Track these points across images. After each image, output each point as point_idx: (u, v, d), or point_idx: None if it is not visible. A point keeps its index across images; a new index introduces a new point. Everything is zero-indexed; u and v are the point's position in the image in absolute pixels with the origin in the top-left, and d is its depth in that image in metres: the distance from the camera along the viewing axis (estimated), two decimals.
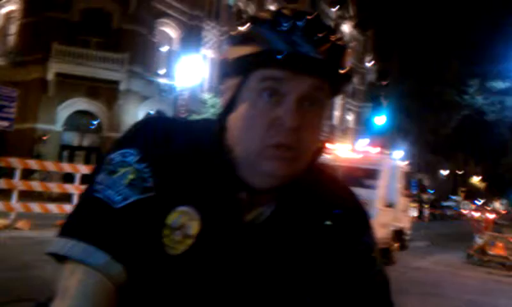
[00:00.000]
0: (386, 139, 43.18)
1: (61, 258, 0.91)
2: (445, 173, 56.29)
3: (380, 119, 43.35)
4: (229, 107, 0.99)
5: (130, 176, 0.95)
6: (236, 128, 0.97)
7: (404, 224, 13.01)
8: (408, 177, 14.37)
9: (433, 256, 14.98)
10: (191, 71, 23.00)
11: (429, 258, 14.34)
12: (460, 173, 56.42)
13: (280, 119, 0.92)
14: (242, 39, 0.96)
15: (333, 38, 0.94)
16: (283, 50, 0.90)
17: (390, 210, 11.71)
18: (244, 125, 0.95)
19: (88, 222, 0.92)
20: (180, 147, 1.00)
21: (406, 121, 47.74)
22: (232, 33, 1.00)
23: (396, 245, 12.09)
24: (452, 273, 11.89)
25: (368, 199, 9.66)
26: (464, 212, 58.49)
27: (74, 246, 0.89)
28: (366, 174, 11.38)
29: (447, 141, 47.56)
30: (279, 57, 0.90)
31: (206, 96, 28.77)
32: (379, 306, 1.06)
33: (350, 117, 46.76)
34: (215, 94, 28.16)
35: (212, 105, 27.00)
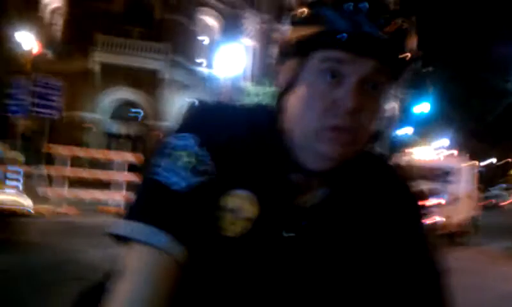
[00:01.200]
0: (430, 127, 42.34)
1: (123, 240, 0.93)
2: (492, 160, 54.81)
3: (423, 107, 42.52)
4: (288, 88, 0.98)
5: (190, 160, 0.96)
6: (295, 109, 0.97)
7: (477, 212, 15.56)
8: (478, 173, 16.74)
9: (477, 246, 14.69)
10: (232, 60, 23.05)
11: (471, 247, 14.06)
12: (508, 160, 54.80)
13: (340, 101, 0.92)
14: (304, 19, 0.95)
15: (396, 20, 0.93)
16: (347, 30, 0.90)
17: (468, 200, 14.42)
18: (303, 105, 0.95)
19: (150, 204, 0.94)
20: (237, 131, 1.01)
21: (450, 108, 46.68)
22: (293, 13, 0.98)
23: (472, 229, 14.67)
24: (495, 264, 11.63)
25: (454, 192, 13.20)
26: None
27: (137, 227, 0.91)
28: (451, 172, 14.20)
29: (493, 129, 46.23)
30: (343, 36, 0.89)
31: (248, 85, 28.78)
32: (439, 292, 1.04)
33: (394, 104, 45.92)
34: (256, 83, 28.16)
35: (254, 95, 26.98)
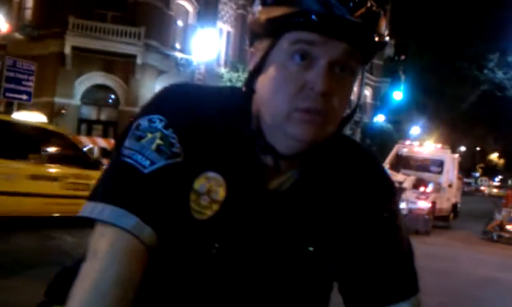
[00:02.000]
0: (403, 115, 42.89)
1: (91, 222, 0.92)
2: (463, 149, 55.86)
3: (397, 95, 42.99)
4: (258, 70, 0.98)
5: (158, 141, 0.95)
6: (264, 91, 0.96)
7: (457, 199, 18.00)
8: (459, 165, 19.10)
9: (449, 231, 14.95)
10: (207, 45, 22.93)
11: (445, 233, 14.31)
12: (478, 149, 55.93)
13: (310, 84, 0.91)
14: (275, 0, 0.94)
15: (368, 3, 0.92)
16: (318, 11, 0.88)
17: (450, 189, 16.64)
18: (273, 87, 0.94)
19: (118, 186, 0.93)
20: (206, 112, 1.00)
21: (424, 96, 47.27)
22: None
23: (452, 214, 17.00)
24: (469, 249, 11.87)
25: (437, 181, 15.22)
26: (482, 188, 58.08)
27: (104, 209, 0.90)
28: (434, 163, 16.40)
29: (466, 117, 47.01)
30: (314, 18, 0.88)
31: (222, 70, 28.72)
32: (403, 274, 1.05)
33: (367, 92, 46.39)
34: (231, 68, 28.10)
35: (228, 80, 26.95)
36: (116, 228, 0.89)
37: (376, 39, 0.94)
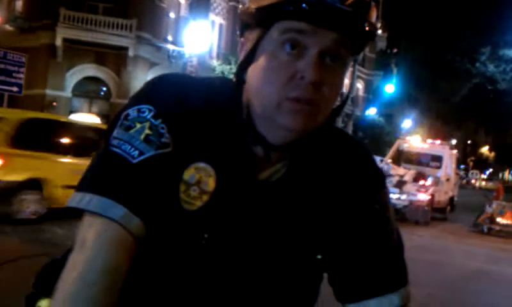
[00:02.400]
0: (395, 108, 42.96)
1: (79, 212, 0.91)
2: (454, 142, 56.12)
3: (389, 88, 43.02)
4: (248, 59, 0.97)
5: (147, 131, 0.94)
6: (255, 80, 0.96)
7: (454, 192, 18.90)
8: (458, 160, 20.48)
9: (440, 224, 15.03)
10: (199, 37, 22.84)
11: (436, 225, 14.39)
12: (470, 142, 56.15)
13: (301, 73, 0.91)
14: None
15: None
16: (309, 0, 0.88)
17: (448, 183, 17.58)
18: (264, 76, 0.94)
19: (106, 176, 0.92)
20: (196, 103, 0.99)
21: (416, 89, 47.36)
22: None
23: (449, 207, 17.78)
24: (459, 241, 11.95)
25: (436, 175, 16.09)
26: (473, 181, 58.36)
27: (92, 200, 0.89)
28: (433, 158, 17.27)
29: (458, 110, 47.15)
30: (304, 6, 0.88)
31: (215, 62, 28.64)
32: (392, 266, 1.06)
33: (360, 85, 46.41)
34: (223, 61, 28.02)
35: (221, 72, 26.88)
36: (104, 219, 0.88)
37: (367, 28, 0.94)
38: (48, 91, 24.34)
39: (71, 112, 25.22)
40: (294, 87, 0.91)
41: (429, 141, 19.25)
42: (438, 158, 17.25)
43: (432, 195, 15.32)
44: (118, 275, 0.86)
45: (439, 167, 16.95)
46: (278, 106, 0.92)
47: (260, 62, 0.94)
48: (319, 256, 1.07)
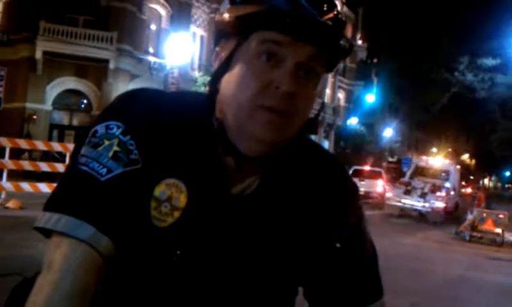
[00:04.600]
0: (375, 118, 43.32)
1: (47, 232, 0.90)
2: (434, 150, 56.62)
3: (369, 98, 43.35)
4: (223, 68, 0.97)
5: (115, 148, 0.93)
6: (228, 89, 0.95)
7: (458, 199, 22.84)
8: (461, 174, 26.01)
9: (422, 232, 15.11)
10: (180, 49, 22.85)
11: (418, 234, 14.47)
12: (450, 150, 56.74)
13: (276, 83, 0.91)
14: None
15: (336, 10, 0.93)
16: (288, 10, 0.88)
17: (454, 192, 22.13)
18: (238, 84, 0.93)
19: (73, 195, 0.90)
20: (166, 117, 0.98)
21: (396, 99, 47.77)
22: None
23: (455, 211, 21.27)
24: (441, 249, 12.01)
25: (446, 186, 20.62)
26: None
27: (59, 220, 0.88)
28: (443, 172, 22.49)
29: (438, 119, 47.64)
30: (283, 17, 0.88)
31: (196, 74, 28.63)
32: (367, 278, 1.06)
33: (341, 95, 46.70)
34: (205, 72, 28.03)
35: (202, 83, 26.87)
36: (72, 239, 0.86)
37: (342, 45, 0.95)
38: (28, 105, 24.11)
39: (51, 125, 25.01)
40: (268, 96, 0.91)
41: (440, 159, 25.14)
42: (446, 172, 22.55)
43: (446, 203, 19.84)
44: (86, 297, 0.84)
45: (447, 179, 21.86)
46: (250, 114, 0.92)
47: (235, 71, 0.94)
48: (291, 271, 1.05)
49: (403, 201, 19.35)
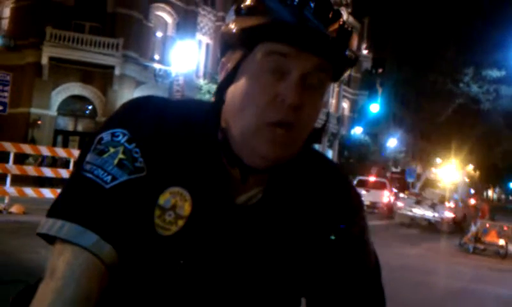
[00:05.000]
0: (380, 128, 43.29)
1: (51, 239, 0.89)
2: (439, 161, 56.49)
3: (374, 107, 43.35)
4: (229, 79, 0.96)
5: (121, 156, 0.93)
6: (234, 102, 0.95)
7: (466, 210, 22.33)
8: (467, 186, 26.40)
9: (426, 243, 15.05)
10: (186, 56, 22.91)
11: (422, 244, 14.41)
12: (454, 161, 56.60)
13: (282, 96, 0.90)
14: (250, 9, 0.93)
15: (341, 20, 0.93)
16: (293, 22, 0.88)
17: (461, 203, 22.36)
18: (243, 98, 0.93)
19: (77, 202, 0.90)
20: (172, 126, 0.98)
21: (400, 109, 47.74)
22: (238, 3, 0.96)
23: (463, 221, 20.47)
24: (445, 261, 11.96)
25: (454, 197, 21.46)
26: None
27: (63, 226, 0.87)
28: (452, 184, 22.65)
29: (442, 130, 47.55)
30: (288, 29, 0.88)
31: (201, 82, 28.69)
32: (369, 290, 1.06)
33: (345, 104, 46.70)
34: (210, 80, 28.10)
35: (207, 91, 26.93)
36: (75, 246, 0.86)
37: (348, 55, 0.95)
38: (33, 110, 24.20)
39: (56, 130, 25.08)
40: (274, 110, 0.91)
41: (449, 171, 25.22)
42: (455, 184, 22.90)
43: (455, 213, 20.75)
44: (88, 304, 0.84)
45: (455, 191, 22.45)
46: (256, 132, 0.92)
47: (241, 84, 0.94)
48: (295, 282, 1.05)
49: (414, 210, 20.71)
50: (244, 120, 0.93)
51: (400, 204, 22.30)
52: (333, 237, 1.05)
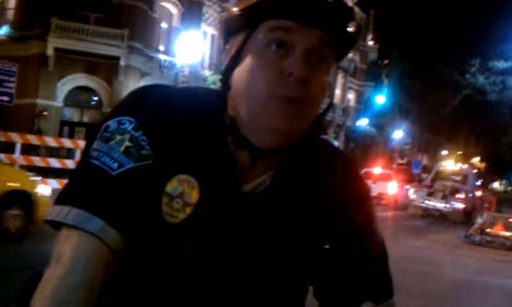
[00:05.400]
0: (386, 119, 43.20)
1: (58, 225, 0.90)
2: (445, 153, 56.34)
3: (380, 99, 43.21)
4: (234, 63, 0.96)
5: (127, 143, 0.93)
6: (240, 83, 0.94)
7: (475, 201, 23.52)
8: (476, 177, 28.09)
9: (433, 234, 15.06)
10: (191, 47, 22.87)
11: (428, 236, 14.42)
12: (460, 153, 56.42)
13: (288, 69, 0.90)
14: None
15: None
16: None
17: (471, 194, 23.23)
18: (250, 75, 0.93)
19: (84, 188, 0.91)
20: (179, 113, 0.98)
21: (406, 100, 47.58)
22: None
23: (473, 212, 20.98)
24: (450, 252, 11.97)
25: (465, 189, 22.55)
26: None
27: (69, 212, 0.88)
28: (462, 176, 24.31)
29: (448, 121, 47.40)
30: (290, 1, 0.88)
31: (206, 73, 28.67)
32: (377, 278, 1.05)
33: (351, 95, 46.56)
34: (215, 71, 28.08)
35: (212, 82, 26.91)
36: (81, 232, 0.86)
37: (350, 29, 0.94)
38: (39, 101, 24.25)
39: (62, 121, 25.14)
40: (281, 84, 0.90)
41: (458, 164, 26.82)
42: (464, 176, 24.31)
43: (465, 204, 21.78)
44: (93, 290, 0.84)
45: (465, 183, 23.52)
46: (265, 106, 0.91)
47: (246, 64, 0.94)
48: (304, 268, 1.05)
49: (426, 202, 22.27)
50: (252, 97, 0.92)
51: (413, 196, 23.65)
52: (340, 226, 1.05)
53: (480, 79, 39.36)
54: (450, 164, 26.97)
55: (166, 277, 0.98)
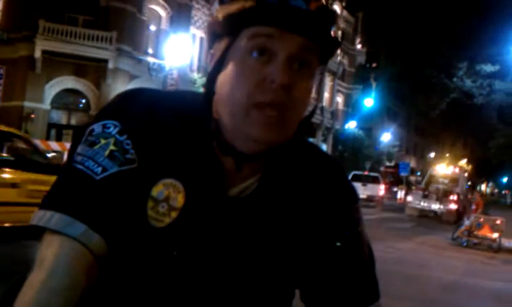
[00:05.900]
0: (374, 122, 43.38)
1: (41, 230, 0.89)
2: (432, 155, 56.67)
3: (368, 102, 43.40)
4: (217, 68, 0.96)
5: (111, 147, 0.93)
6: (224, 88, 0.94)
7: (465, 202, 23.98)
8: (467, 180, 29.06)
9: (419, 237, 15.11)
10: (180, 50, 22.85)
11: (415, 238, 14.47)
12: (448, 155, 56.79)
13: (270, 76, 0.90)
14: None
15: (323, 0, 0.92)
16: (274, 2, 0.88)
17: (462, 196, 23.95)
18: (232, 82, 0.92)
19: (67, 193, 0.90)
20: (164, 117, 0.98)
21: (394, 103, 47.83)
22: None
23: (464, 213, 20.97)
24: (438, 254, 12.01)
25: (456, 191, 23.42)
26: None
27: (52, 217, 0.87)
28: (453, 179, 25.03)
29: (436, 124, 47.72)
30: (272, 7, 0.88)
31: (195, 75, 28.64)
32: (363, 281, 1.06)
33: (339, 99, 46.72)
34: (204, 74, 28.04)
35: (201, 85, 26.88)
36: (63, 236, 0.86)
37: (333, 34, 0.94)
38: (27, 103, 24.09)
39: (49, 124, 24.98)
40: (263, 91, 0.90)
41: (451, 168, 27.46)
42: (455, 180, 25.02)
43: (458, 205, 22.52)
44: (75, 294, 0.83)
45: (456, 186, 24.44)
46: (246, 113, 0.91)
47: (229, 70, 0.93)
48: (287, 273, 1.05)
49: (422, 204, 23.47)
50: (233, 104, 0.92)
51: (409, 198, 24.93)
52: (327, 228, 1.05)
53: (468, 83, 39.69)
54: (442, 167, 27.90)
55: (151, 282, 0.97)
